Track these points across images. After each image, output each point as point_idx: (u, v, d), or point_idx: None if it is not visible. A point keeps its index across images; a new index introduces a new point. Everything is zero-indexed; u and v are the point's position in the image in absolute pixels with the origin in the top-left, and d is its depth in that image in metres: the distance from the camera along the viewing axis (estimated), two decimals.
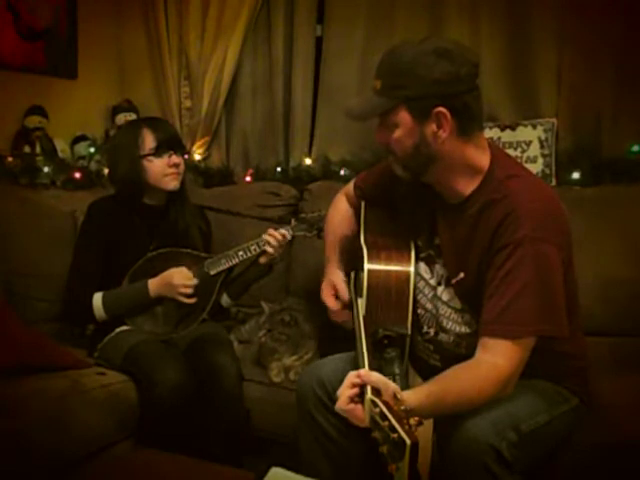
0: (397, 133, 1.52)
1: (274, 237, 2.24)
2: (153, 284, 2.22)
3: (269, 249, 2.24)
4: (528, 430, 1.46)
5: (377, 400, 1.18)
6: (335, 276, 1.91)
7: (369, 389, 1.27)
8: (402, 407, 1.12)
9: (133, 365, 2.11)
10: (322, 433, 1.70)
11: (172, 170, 2.28)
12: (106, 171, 2.90)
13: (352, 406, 1.32)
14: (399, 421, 1.07)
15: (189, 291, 2.22)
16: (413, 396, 1.33)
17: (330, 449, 1.70)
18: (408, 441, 1.03)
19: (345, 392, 1.33)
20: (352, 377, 1.34)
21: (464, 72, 1.48)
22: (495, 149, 1.62)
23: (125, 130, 2.47)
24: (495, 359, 1.43)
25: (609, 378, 1.88)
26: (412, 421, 1.07)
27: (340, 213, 2.04)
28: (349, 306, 1.83)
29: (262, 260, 2.30)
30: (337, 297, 1.88)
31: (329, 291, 1.89)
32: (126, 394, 2.07)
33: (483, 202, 1.53)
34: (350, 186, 2.04)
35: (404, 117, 1.50)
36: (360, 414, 1.30)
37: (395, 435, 1.05)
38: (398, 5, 2.89)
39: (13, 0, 2.86)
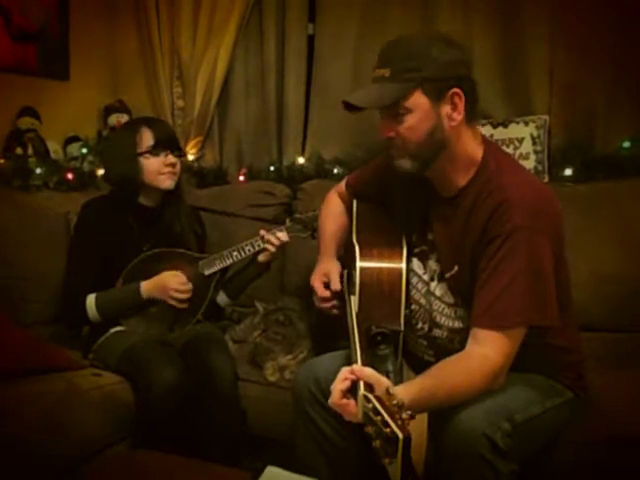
0: (411, 120, 1.50)
1: (272, 239, 2.24)
2: (146, 287, 2.21)
3: (270, 247, 2.24)
4: (522, 420, 1.46)
5: (370, 395, 1.19)
6: (330, 265, 1.91)
7: (362, 385, 1.27)
8: (394, 402, 1.13)
9: (128, 366, 2.11)
10: (318, 431, 1.70)
11: (168, 169, 2.27)
12: (99, 172, 2.90)
13: (345, 401, 1.33)
14: (391, 416, 1.08)
15: (183, 296, 2.22)
16: (405, 391, 1.33)
17: (326, 447, 1.70)
18: (400, 435, 1.04)
19: (338, 386, 1.34)
20: (345, 372, 1.35)
21: (467, 59, 1.54)
22: (489, 143, 1.63)
23: (123, 128, 2.50)
24: (486, 351, 1.43)
25: (604, 373, 1.89)
26: (404, 415, 1.08)
27: (333, 210, 2.04)
28: (336, 295, 1.84)
29: (261, 259, 2.29)
30: (327, 286, 1.88)
31: (320, 278, 1.89)
32: (122, 395, 2.07)
33: (476, 194, 1.54)
34: (342, 184, 2.05)
35: (420, 100, 1.49)
36: (353, 409, 1.31)
37: (388, 430, 1.06)
38: (390, 3, 2.89)
39: (4, 2, 2.85)
